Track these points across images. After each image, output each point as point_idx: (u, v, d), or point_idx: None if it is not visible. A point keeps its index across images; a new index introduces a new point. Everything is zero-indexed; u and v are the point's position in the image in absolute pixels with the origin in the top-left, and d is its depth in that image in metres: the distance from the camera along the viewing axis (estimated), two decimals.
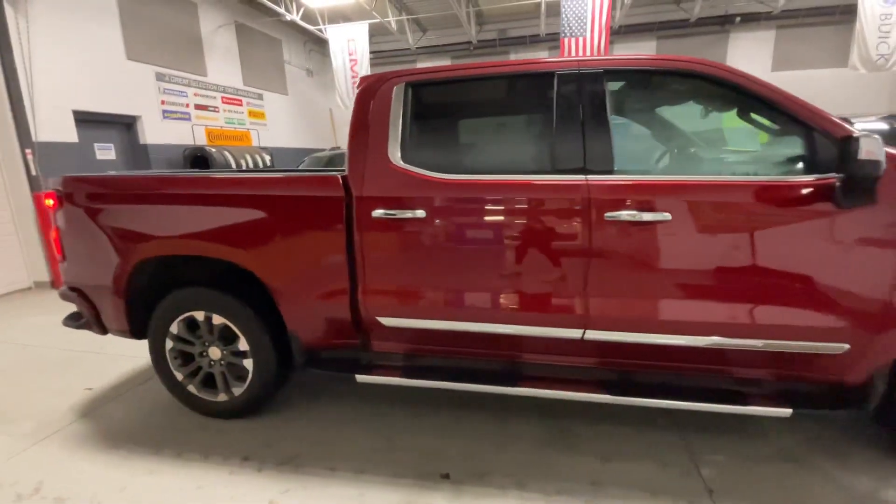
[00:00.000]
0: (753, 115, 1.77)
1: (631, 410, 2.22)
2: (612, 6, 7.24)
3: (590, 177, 1.72)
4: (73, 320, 2.43)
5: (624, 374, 1.89)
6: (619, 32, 9.86)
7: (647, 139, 2.05)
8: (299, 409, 2.39)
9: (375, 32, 9.25)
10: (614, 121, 1.77)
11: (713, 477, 1.79)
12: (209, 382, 2.28)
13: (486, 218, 1.82)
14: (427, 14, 9.92)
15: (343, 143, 12.15)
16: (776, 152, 1.78)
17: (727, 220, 1.63)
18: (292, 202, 1.93)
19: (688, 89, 1.86)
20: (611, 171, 1.72)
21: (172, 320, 2.19)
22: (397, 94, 1.94)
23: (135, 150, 6.59)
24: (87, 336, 3.43)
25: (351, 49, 8.50)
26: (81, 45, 5.62)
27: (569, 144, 1.76)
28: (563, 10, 7.29)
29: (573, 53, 7.33)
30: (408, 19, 10.03)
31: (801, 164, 1.66)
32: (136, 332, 2.30)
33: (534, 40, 10.57)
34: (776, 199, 1.60)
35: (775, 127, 1.74)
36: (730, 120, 1.99)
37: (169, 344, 2.23)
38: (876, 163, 1.41)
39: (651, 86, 1.90)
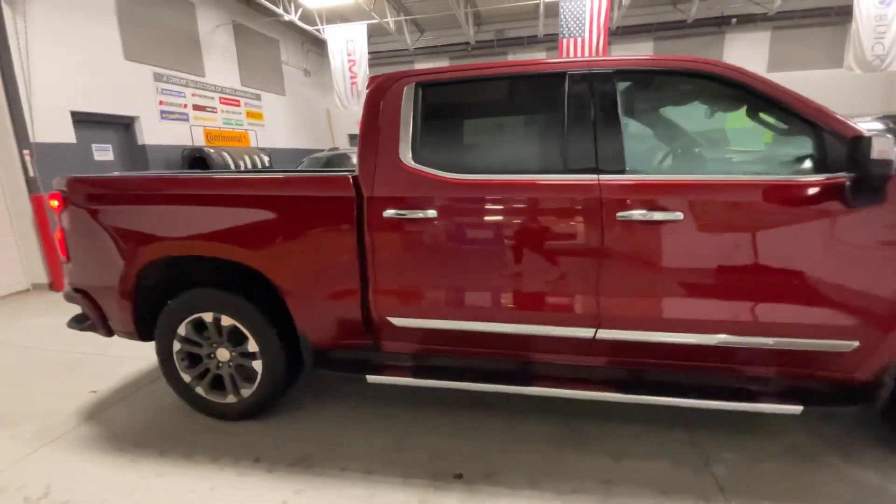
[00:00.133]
0: (763, 116, 1.79)
1: (638, 409, 2.23)
2: (610, 7, 7.27)
3: (602, 176, 1.73)
4: (79, 322, 2.41)
5: (635, 372, 1.90)
6: (616, 33, 9.91)
7: (658, 139, 2.06)
8: (307, 410, 2.38)
9: (373, 33, 9.25)
10: (625, 121, 1.78)
11: (724, 474, 1.80)
12: (217, 384, 2.27)
13: (498, 218, 1.82)
14: (425, 15, 9.93)
15: (340, 143, 12.14)
16: (785, 152, 1.80)
17: (738, 220, 1.65)
18: (303, 203, 1.92)
19: (700, 90, 1.87)
20: (622, 171, 1.73)
21: (180, 322, 2.17)
22: (408, 94, 1.94)
23: (133, 150, 6.55)
24: (89, 338, 3.40)
25: (350, 49, 8.49)
26: (79, 45, 5.58)
27: (580, 144, 1.77)
28: (562, 10, 7.32)
29: (572, 54, 7.36)
30: (406, 20, 10.03)
31: (810, 164, 1.68)
32: (142, 334, 2.28)
33: (531, 41, 10.61)
34: (786, 198, 1.61)
35: (785, 127, 1.76)
36: (733, 120, 2.01)
37: (177, 346, 2.21)
38: (888, 162, 1.42)
39: (663, 86, 1.91)
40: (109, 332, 2.34)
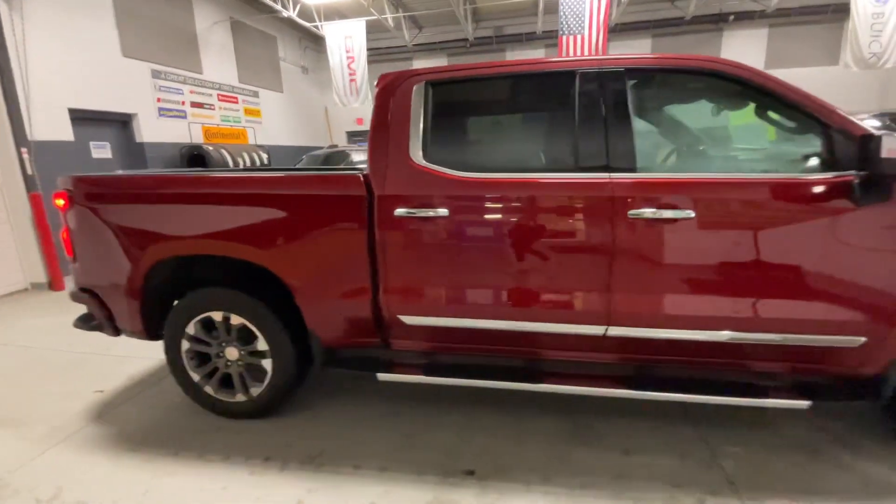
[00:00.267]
0: (772, 114, 1.80)
1: (645, 405, 2.26)
2: (610, 4, 7.27)
3: (613, 175, 1.74)
4: (85, 322, 2.40)
5: (644, 368, 1.92)
6: (614, 30, 9.90)
7: (667, 137, 2.07)
8: (315, 409, 2.39)
9: (371, 29, 9.19)
10: (637, 119, 1.79)
11: (733, 468, 1.83)
12: (226, 383, 2.27)
13: (507, 216, 1.82)
14: (424, 11, 9.89)
15: (338, 140, 12.08)
16: (793, 150, 1.82)
17: (747, 217, 1.66)
18: (314, 201, 1.92)
19: (710, 89, 1.88)
20: (633, 170, 1.74)
21: (189, 321, 2.17)
22: (418, 92, 1.94)
23: (131, 148, 6.50)
24: (89, 338, 3.39)
25: (348, 46, 8.45)
26: (77, 42, 5.52)
27: (591, 143, 1.77)
28: (562, 7, 7.31)
29: (571, 51, 7.36)
30: (404, 16, 9.98)
31: (818, 162, 1.70)
32: (150, 333, 2.28)
33: (530, 38, 10.60)
34: (795, 196, 1.63)
35: (794, 125, 1.77)
36: (736, 118, 2.03)
37: (185, 345, 2.21)
38: None
39: (675, 85, 1.92)
40: (116, 332, 2.33)
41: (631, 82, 1.79)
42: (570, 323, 1.84)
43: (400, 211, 1.87)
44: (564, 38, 7.37)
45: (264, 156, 8.35)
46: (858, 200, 1.57)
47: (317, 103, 11.95)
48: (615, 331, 1.82)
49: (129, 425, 2.31)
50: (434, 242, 1.88)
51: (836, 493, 1.68)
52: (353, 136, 12.37)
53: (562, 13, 7.31)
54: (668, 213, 1.68)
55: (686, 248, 1.71)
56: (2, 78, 4.58)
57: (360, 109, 10.14)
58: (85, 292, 2.30)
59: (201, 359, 2.26)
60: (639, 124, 1.79)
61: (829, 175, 1.63)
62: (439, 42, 11.09)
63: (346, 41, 8.45)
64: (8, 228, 4.94)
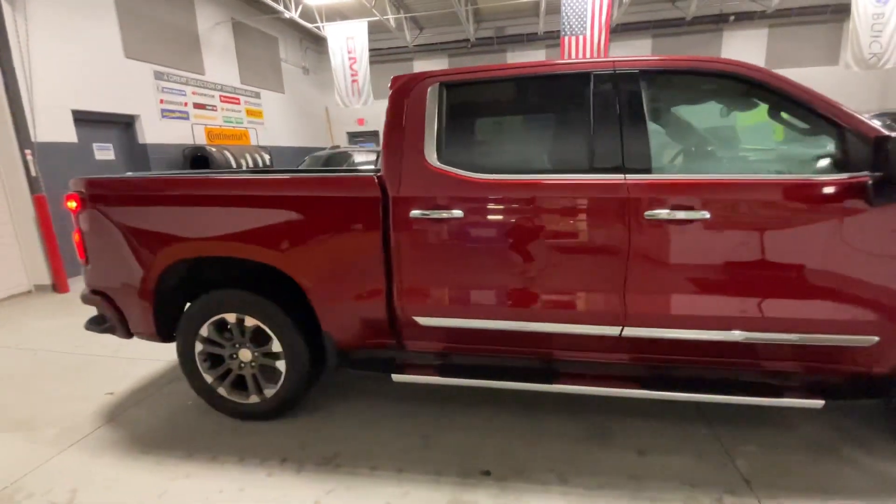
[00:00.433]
0: (785, 116, 1.81)
1: (658, 405, 2.27)
2: (612, 4, 7.28)
3: (628, 176, 1.75)
4: (97, 324, 2.39)
5: (658, 368, 1.92)
6: (615, 31, 9.92)
7: (682, 138, 2.08)
8: (328, 410, 2.39)
9: (372, 30, 9.19)
10: (651, 121, 1.79)
11: (748, 467, 1.84)
12: (239, 385, 2.27)
13: (524, 217, 1.83)
14: (425, 12, 9.90)
15: (339, 140, 12.08)
16: (807, 151, 1.83)
17: (762, 218, 1.67)
18: (329, 203, 1.93)
19: (724, 90, 1.89)
20: (648, 171, 1.75)
21: (203, 323, 2.17)
22: (432, 94, 1.95)
23: (134, 149, 6.48)
24: (97, 340, 3.39)
25: (350, 47, 8.44)
26: (80, 43, 5.51)
27: (606, 144, 1.78)
28: (564, 8, 7.32)
29: (573, 52, 7.37)
30: (406, 17, 9.99)
31: (832, 163, 1.71)
32: (162, 335, 2.28)
33: (531, 38, 10.61)
34: (810, 196, 1.64)
35: (807, 127, 1.78)
36: (749, 119, 2.04)
37: (199, 347, 2.21)
38: None
39: (689, 86, 1.93)
40: (128, 334, 2.33)
41: (645, 84, 1.80)
42: (586, 324, 1.85)
43: (415, 212, 1.87)
44: (566, 38, 7.38)
45: (266, 157, 8.35)
46: (873, 201, 1.59)
47: (318, 104, 11.95)
48: (631, 331, 1.83)
49: (142, 427, 2.31)
50: (449, 244, 1.88)
51: (850, 491, 1.69)
52: (354, 136, 12.37)
53: (564, 13, 7.32)
54: (683, 214, 1.69)
55: (702, 248, 1.72)
56: (5, 79, 4.57)
57: (361, 110, 10.14)
58: (97, 294, 2.30)
59: (214, 360, 2.26)
60: (654, 126, 1.79)
61: (843, 176, 1.64)
62: (440, 43, 11.10)
63: (349, 42, 8.44)
64: (11, 230, 4.93)
